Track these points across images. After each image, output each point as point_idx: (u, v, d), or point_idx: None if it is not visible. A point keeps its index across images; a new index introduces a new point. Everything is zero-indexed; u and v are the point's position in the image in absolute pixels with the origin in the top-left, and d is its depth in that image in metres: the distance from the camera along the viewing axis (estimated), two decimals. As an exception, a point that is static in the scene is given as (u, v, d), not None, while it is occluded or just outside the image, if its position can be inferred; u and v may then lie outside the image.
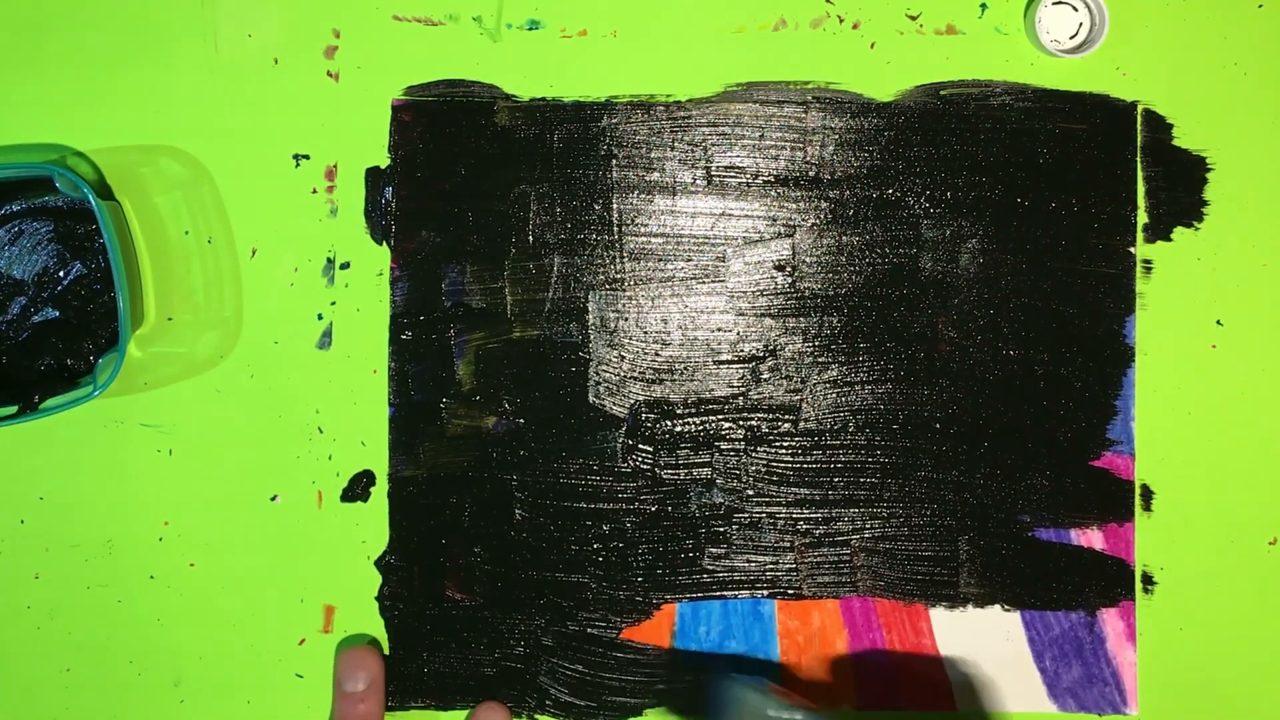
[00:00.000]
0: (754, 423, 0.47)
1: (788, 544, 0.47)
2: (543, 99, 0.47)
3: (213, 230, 0.47)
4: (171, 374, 0.47)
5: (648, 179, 0.47)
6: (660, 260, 0.47)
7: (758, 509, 0.47)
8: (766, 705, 0.41)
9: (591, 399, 0.47)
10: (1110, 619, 0.47)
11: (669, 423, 0.47)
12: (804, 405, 0.47)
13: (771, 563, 0.47)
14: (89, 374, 0.45)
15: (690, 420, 0.47)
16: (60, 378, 0.45)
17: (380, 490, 0.47)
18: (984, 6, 0.47)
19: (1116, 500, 0.47)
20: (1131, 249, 0.47)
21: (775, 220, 0.47)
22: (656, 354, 0.47)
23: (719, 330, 0.47)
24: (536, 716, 0.47)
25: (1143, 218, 0.47)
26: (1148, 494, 0.47)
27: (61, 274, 0.45)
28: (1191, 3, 0.47)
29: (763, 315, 0.47)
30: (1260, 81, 0.47)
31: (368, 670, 0.44)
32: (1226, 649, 0.47)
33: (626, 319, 0.47)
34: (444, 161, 0.47)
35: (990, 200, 0.47)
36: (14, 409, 0.44)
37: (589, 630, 0.47)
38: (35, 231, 0.45)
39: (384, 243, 0.47)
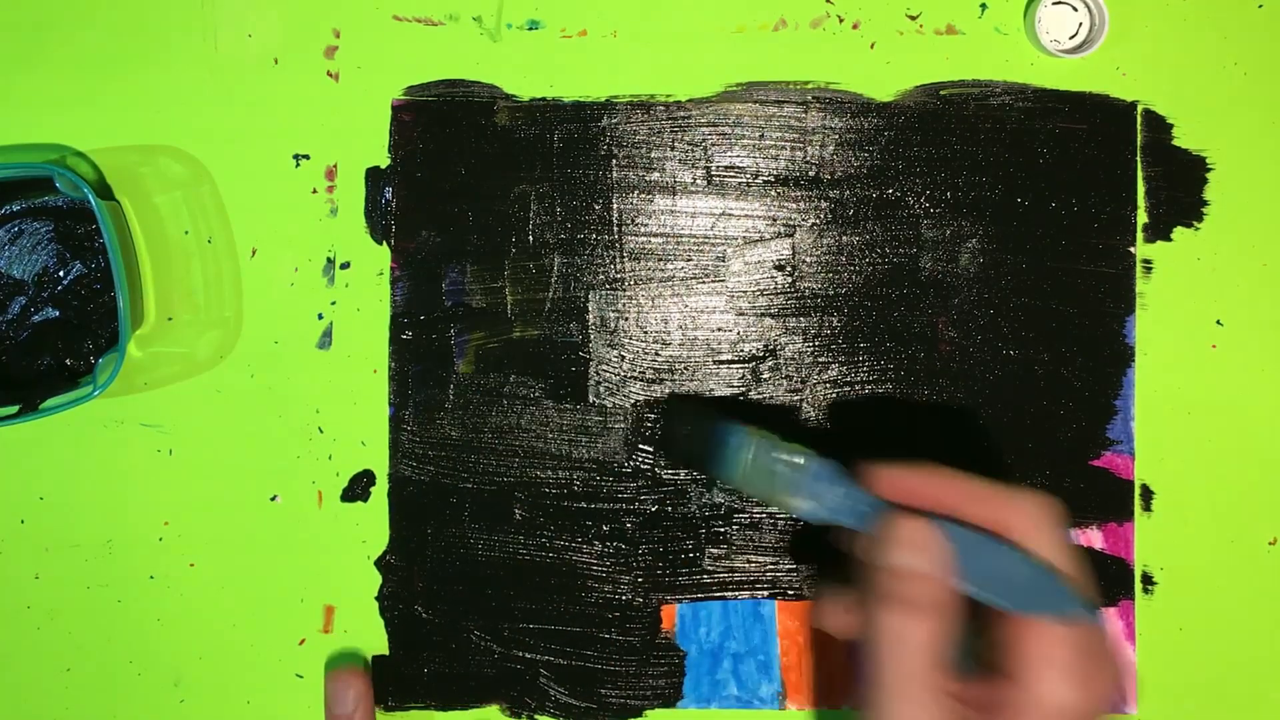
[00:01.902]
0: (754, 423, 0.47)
1: (787, 544, 0.47)
2: (543, 99, 0.47)
3: (213, 230, 0.47)
4: (171, 374, 0.47)
5: (648, 179, 0.47)
6: (660, 260, 0.47)
7: (758, 509, 0.47)
8: (773, 448, 0.39)
9: (591, 399, 0.47)
10: (1109, 619, 0.47)
11: (669, 423, 0.47)
12: (804, 405, 0.47)
13: (772, 563, 0.47)
14: (89, 374, 0.45)
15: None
16: (60, 378, 0.45)
17: (380, 490, 0.47)
18: (984, 6, 0.47)
19: (1116, 500, 0.47)
20: (1131, 249, 0.47)
21: (775, 220, 0.47)
22: (656, 354, 0.47)
23: (719, 330, 0.47)
24: (536, 717, 0.47)
25: (1143, 218, 0.47)
26: (1147, 494, 0.47)
27: (61, 274, 0.45)
28: (1191, 3, 0.47)
29: (763, 315, 0.47)
30: (1260, 81, 0.47)
31: (355, 690, 0.45)
32: (1226, 649, 0.47)
33: (626, 319, 0.47)
34: (444, 161, 0.47)
35: (990, 200, 0.47)
36: (14, 409, 0.44)
37: (589, 631, 0.47)
38: (35, 231, 0.45)
39: (384, 243, 0.47)
